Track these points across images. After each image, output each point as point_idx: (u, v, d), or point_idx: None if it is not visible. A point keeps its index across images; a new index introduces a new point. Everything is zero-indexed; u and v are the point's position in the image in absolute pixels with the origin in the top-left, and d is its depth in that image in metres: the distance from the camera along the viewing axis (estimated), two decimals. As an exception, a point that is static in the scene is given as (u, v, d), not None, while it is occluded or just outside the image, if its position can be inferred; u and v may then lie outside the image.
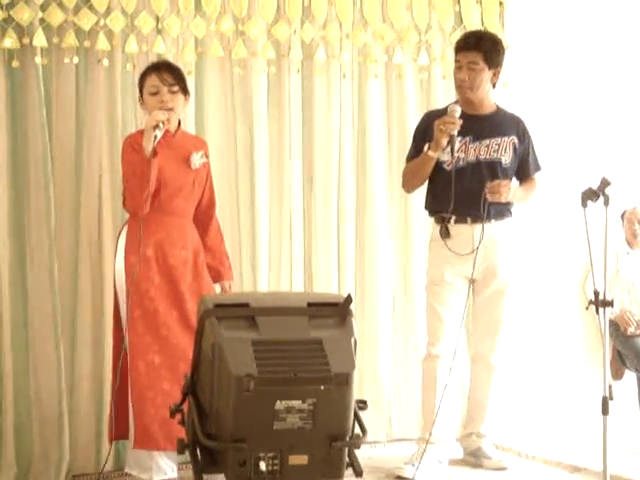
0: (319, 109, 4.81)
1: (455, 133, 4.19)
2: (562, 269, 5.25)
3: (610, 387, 3.62)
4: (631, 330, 5.10)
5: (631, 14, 5.36)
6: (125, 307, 3.99)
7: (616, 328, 5.07)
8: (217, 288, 4.29)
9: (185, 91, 4.13)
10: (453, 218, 4.32)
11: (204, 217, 4.25)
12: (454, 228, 4.32)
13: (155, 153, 3.89)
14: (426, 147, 4.29)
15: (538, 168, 4.52)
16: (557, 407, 5.07)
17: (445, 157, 4.29)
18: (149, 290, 3.97)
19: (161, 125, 3.90)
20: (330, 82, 4.83)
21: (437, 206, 4.38)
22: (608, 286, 3.72)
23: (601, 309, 3.67)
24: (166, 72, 4.06)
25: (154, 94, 4.04)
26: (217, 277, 4.28)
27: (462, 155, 4.30)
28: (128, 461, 4.10)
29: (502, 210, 4.38)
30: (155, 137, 3.88)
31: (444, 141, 4.19)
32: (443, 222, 4.33)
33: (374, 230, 4.92)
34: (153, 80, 4.05)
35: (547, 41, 5.14)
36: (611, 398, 3.61)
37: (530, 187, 4.50)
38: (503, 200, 4.28)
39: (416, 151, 4.39)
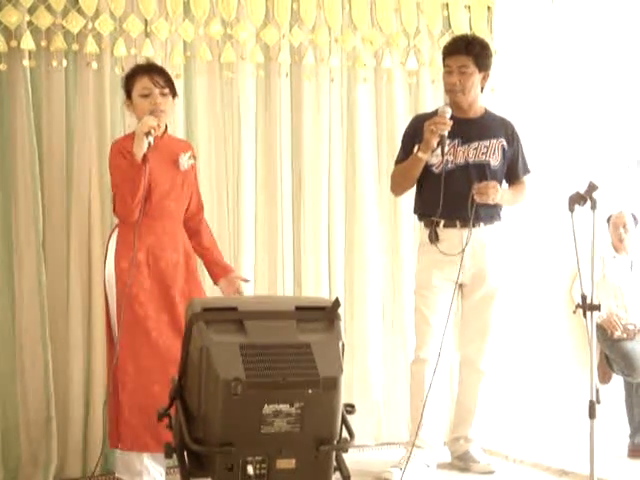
0: (308, 113, 4.81)
1: (445, 134, 4.19)
2: (549, 273, 5.26)
3: (597, 391, 3.63)
4: (618, 334, 5.11)
5: (618, 19, 5.38)
6: (115, 311, 3.99)
7: (603, 332, 5.08)
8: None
9: (174, 93, 4.13)
10: (442, 222, 4.33)
11: (194, 221, 4.24)
12: (443, 232, 4.33)
13: (145, 159, 3.88)
14: (416, 148, 4.29)
15: (527, 171, 4.53)
16: (544, 411, 5.08)
17: (434, 160, 4.30)
18: (139, 294, 3.96)
19: (152, 131, 3.89)
20: (319, 86, 4.83)
21: (426, 210, 4.38)
22: (595, 290, 3.73)
23: (588, 313, 3.68)
24: (157, 74, 4.05)
25: (146, 96, 4.03)
26: (223, 272, 4.25)
27: (451, 158, 4.31)
28: (117, 465, 4.09)
29: (492, 214, 4.39)
30: (149, 144, 3.88)
31: (434, 142, 4.19)
32: (432, 226, 4.34)
33: (363, 234, 4.92)
34: (145, 82, 4.04)
35: (535, 46, 5.16)
36: (598, 402, 3.62)
37: (519, 190, 4.52)
38: (491, 202, 4.29)
39: (405, 154, 4.40)
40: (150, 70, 4.08)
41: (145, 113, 4.00)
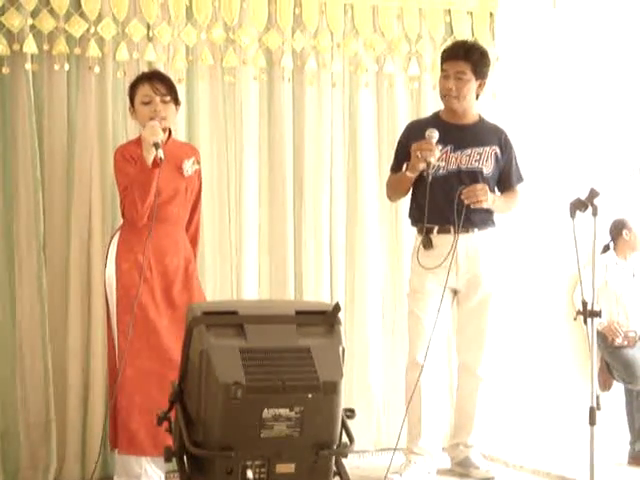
0: (310, 118, 4.81)
1: (432, 160, 4.18)
2: (550, 279, 5.25)
3: (598, 397, 3.62)
4: (618, 341, 5.10)
5: (620, 26, 5.38)
6: (116, 313, 4.00)
7: (604, 339, 5.07)
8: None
9: (177, 101, 4.15)
10: (436, 228, 4.32)
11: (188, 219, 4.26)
12: (436, 238, 4.32)
13: (156, 164, 3.92)
14: (405, 167, 4.30)
15: (520, 179, 4.50)
16: (545, 417, 5.07)
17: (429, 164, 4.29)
18: (139, 297, 3.97)
19: (160, 142, 3.93)
20: (321, 91, 4.84)
21: (419, 216, 4.37)
22: (596, 297, 3.72)
23: (589, 319, 3.68)
24: (158, 82, 4.09)
25: (147, 103, 4.06)
26: None
27: (443, 164, 4.30)
28: (116, 468, 4.10)
29: (485, 220, 4.38)
30: (161, 159, 3.89)
31: (420, 166, 4.20)
32: (426, 232, 4.33)
33: (364, 238, 4.92)
34: (145, 90, 4.07)
35: (537, 52, 5.16)
36: (599, 408, 3.62)
37: (512, 197, 4.49)
38: (482, 205, 4.26)
39: (397, 163, 4.43)
40: (151, 77, 4.11)
41: (146, 120, 4.04)
